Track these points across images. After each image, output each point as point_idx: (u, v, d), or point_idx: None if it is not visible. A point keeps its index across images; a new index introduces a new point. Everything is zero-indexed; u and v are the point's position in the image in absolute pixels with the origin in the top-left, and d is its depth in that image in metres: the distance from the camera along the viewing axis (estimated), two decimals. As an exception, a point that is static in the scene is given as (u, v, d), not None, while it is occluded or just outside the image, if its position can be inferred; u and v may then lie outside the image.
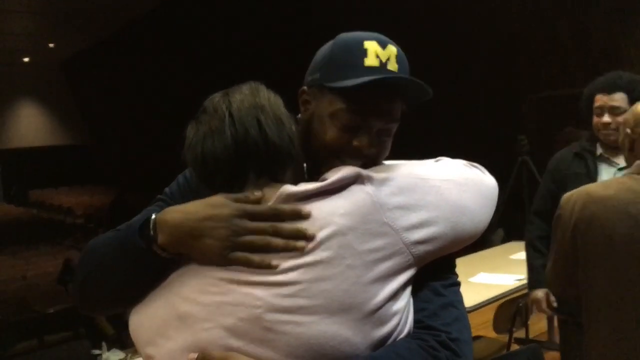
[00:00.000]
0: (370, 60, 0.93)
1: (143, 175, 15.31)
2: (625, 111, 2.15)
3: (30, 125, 18.44)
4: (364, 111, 0.93)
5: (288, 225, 0.85)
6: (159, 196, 1.11)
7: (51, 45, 15.38)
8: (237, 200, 0.87)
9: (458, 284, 0.96)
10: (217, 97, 0.94)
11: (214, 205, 0.86)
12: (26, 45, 14.94)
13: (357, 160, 0.94)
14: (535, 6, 7.34)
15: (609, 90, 2.24)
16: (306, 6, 9.55)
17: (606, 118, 2.24)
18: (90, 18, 12.64)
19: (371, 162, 0.96)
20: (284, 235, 0.84)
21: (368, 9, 8.23)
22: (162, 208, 0.96)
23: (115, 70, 15.67)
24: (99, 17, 12.62)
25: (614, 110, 2.23)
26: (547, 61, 7.59)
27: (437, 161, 1.01)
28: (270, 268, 0.82)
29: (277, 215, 0.85)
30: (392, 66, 0.94)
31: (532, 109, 7.95)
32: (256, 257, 0.83)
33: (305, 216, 0.85)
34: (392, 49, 0.95)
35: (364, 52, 0.93)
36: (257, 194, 0.87)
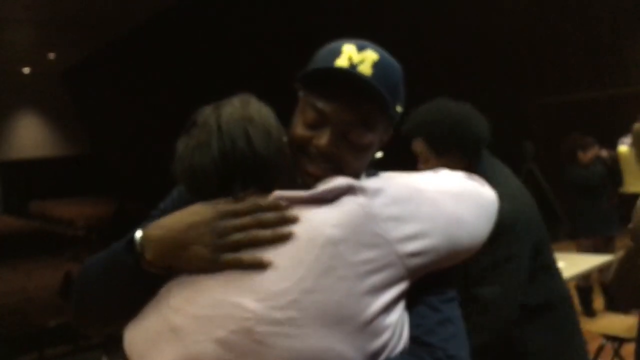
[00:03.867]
0: (341, 61, 0.93)
1: (144, 186, 15.29)
2: (428, 158, 1.80)
3: (31, 136, 18.48)
4: (324, 107, 0.93)
5: (270, 214, 0.85)
6: (153, 212, 1.10)
7: (51, 55, 15.43)
8: (215, 204, 0.88)
9: (456, 299, 0.94)
10: (207, 110, 0.95)
11: (194, 213, 0.87)
12: (27, 55, 15.02)
13: (319, 162, 0.94)
14: (540, 12, 7.35)
15: (410, 136, 1.88)
16: (304, 17, 9.58)
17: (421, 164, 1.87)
18: (90, 28, 12.69)
19: (336, 165, 0.94)
20: (268, 224, 0.84)
21: (372, 15, 8.23)
22: None
23: (115, 80, 15.73)
24: (99, 27, 12.67)
25: (419, 157, 1.85)
26: (552, 67, 7.59)
27: (435, 173, 1.00)
28: (262, 266, 0.82)
29: (258, 209, 0.86)
30: (364, 69, 0.92)
31: (537, 115, 7.94)
32: (247, 257, 0.83)
33: (285, 206, 0.86)
34: (371, 55, 0.94)
35: (338, 54, 0.94)
36: (237, 198, 0.88)
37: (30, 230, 14.09)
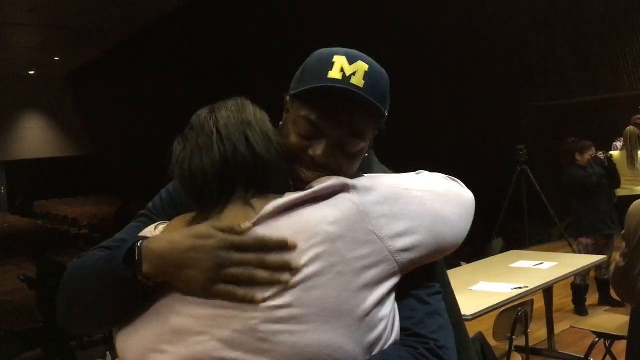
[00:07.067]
0: (334, 73, 0.94)
1: (147, 185, 15.33)
2: None
3: (36, 137, 18.56)
4: (318, 121, 0.95)
5: (273, 258, 0.84)
6: (141, 212, 1.10)
7: (56, 58, 15.54)
8: (222, 231, 0.86)
9: (440, 292, 0.98)
10: (203, 113, 0.96)
11: (200, 236, 0.85)
12: (32, 58, 15.10)
13: (314, 170, 0.96)
14: (532, 16, 7.38)
15: None
16: (304, 21, 9.62)
17: None
18: (94, 31, 12.76)
19: (331, 172, 0.96)
20: (269, 267, 0.84)
21: (367, 20, 8.28)
22: (145, 224, 0.98)
23: (119, 82, 15.79)
24: (103, 30, 12.74)
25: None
26: (544, 71, 7.61)
27: (417, 174, 1.03)
28: (253, 302, 0.82)
29: (263, 247, 0.85)
30: (357, 81, 0.94)
31: (530, 119, 7.98)
32: (240, 291, 0.83)
33: (291, 247, 0.84)
34: (362, 65, 0.95)
35: (330, 65, 0.95)
36: (244, 225, 0.87)
37: (35, 229, 14.11)
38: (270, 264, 0.84)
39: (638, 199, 1.96)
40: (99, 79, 16.76)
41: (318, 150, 0.95)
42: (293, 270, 0.83)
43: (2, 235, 12.67)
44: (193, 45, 12.14)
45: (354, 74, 0.94)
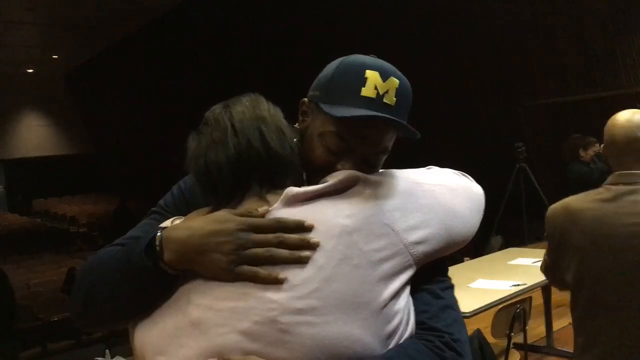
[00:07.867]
0: (367, 91, 0.94)
1: (146, 184, 15.39)
2: None
3: (34, 135, 18.55)
4: (350, 139, 0.96)
5: (292, 236, 0.86)
6: (153, 209, 1.11)
7: (55, 56, 15.52)
8: (240, 215, 0.88)
9: (452, 287, 1.00)
10: (217, 108, 0.97)
11: (219, 221, 0.87)
12: (30, 56, 15.09)
13: None
14: (531, 14, 7.39)
15: None
16: (310, 19, 9.62)
17: None
18: (93, 29, 12.75)
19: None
20: (288, 245, 0.85)
21: (368, 18, 8.29)
22: (157, 221, 0.99)
23: (118, 80, 15.78)
24: (102, 28, 12.73)
25: None
26: (544, 69, 7.62)
27: (428, 169, 1.05)
28: (277, 282, 0.84)
29: (281, 227, 0.86)
30: (389, 99, 0.95)
31: (528, 117, 7.99)
32: (263, 271, 0.84)
33: (308, 228, 0.86)
34: (394, 82, 0.96)
35: (363, 81, 0.95)
36: (261, 209, 0.88)
37: (34, 227, 14.14)
38: (289, 243, 0.85)
39: None
40: (97, 77, 16.75)
41: (348, 165, 0.96)
42: (313, 246, 0.85)
43: (0, 233, 12.68)
44: (192, 43, 12.12)
45: (387, 92, 0.95)
